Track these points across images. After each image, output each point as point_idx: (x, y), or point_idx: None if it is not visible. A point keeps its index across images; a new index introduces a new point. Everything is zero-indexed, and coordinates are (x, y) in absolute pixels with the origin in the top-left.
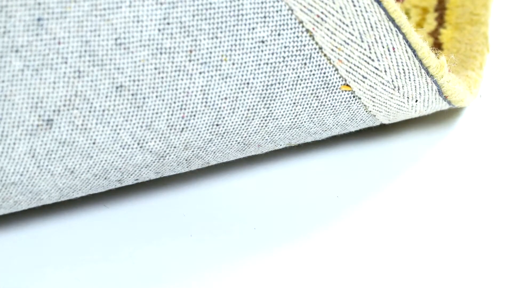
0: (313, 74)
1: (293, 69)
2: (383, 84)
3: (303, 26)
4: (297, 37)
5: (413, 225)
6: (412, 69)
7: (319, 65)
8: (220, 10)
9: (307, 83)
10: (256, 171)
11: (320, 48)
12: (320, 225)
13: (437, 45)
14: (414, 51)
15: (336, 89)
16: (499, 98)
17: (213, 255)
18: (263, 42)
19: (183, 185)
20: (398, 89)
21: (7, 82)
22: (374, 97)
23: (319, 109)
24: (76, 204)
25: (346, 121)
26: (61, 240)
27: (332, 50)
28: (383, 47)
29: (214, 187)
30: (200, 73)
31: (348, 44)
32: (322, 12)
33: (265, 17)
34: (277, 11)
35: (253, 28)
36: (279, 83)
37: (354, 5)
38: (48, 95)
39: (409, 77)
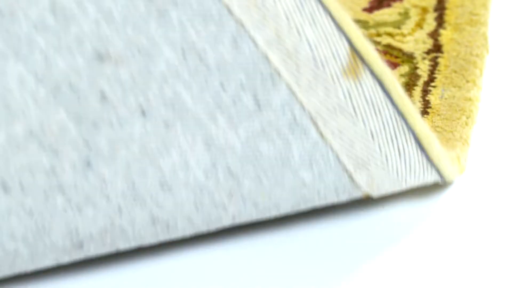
0: None
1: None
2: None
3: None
4: (340, 178)
5: (414, 225)
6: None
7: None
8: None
9: None
10: None
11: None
12: (321, 225)
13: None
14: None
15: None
16: (499, 98)
17: (214, 255)
18: (305, 185)
19: None
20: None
21: (47, 215)
22: None
23: None
24: None
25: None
26: None
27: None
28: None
29: None
30: (234, 214)
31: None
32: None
33: (311, 162)
34: (322, 156)
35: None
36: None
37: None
38: (85, 226)
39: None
